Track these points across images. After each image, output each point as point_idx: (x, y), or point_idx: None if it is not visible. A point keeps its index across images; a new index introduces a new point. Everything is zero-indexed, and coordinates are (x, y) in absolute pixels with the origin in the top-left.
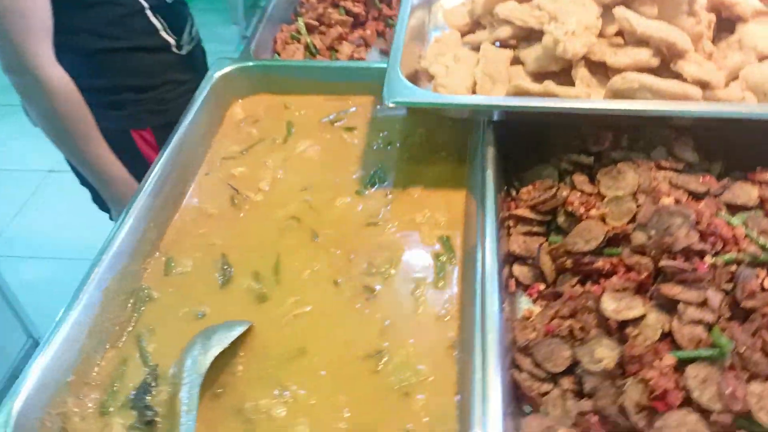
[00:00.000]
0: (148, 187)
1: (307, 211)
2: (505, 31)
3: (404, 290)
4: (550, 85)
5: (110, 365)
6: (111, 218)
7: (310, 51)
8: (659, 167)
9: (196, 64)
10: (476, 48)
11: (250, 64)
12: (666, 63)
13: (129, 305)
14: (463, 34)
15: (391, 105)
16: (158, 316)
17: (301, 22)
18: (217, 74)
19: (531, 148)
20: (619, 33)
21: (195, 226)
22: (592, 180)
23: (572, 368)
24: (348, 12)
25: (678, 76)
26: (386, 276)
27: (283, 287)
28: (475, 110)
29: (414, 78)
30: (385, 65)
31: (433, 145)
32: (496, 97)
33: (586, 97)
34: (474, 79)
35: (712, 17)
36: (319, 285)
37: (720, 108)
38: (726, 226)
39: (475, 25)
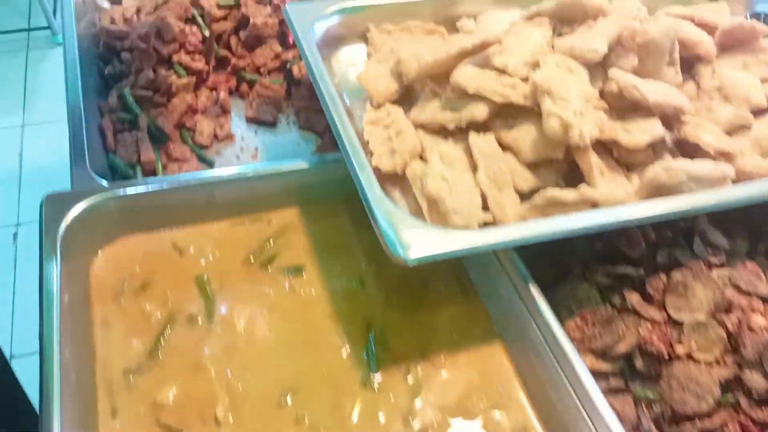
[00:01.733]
0: None
1: None
2: (480, 112)
3: None
4: (586, 190)
5: None
6: None
7: (153, 136)
8: (708, 265)
9: None
10: (434, 129)
11: (112, 195)
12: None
13: None
14: (390, 102)
15: (410, 264)
16: None
17: (128, 96)
18: (63, 224)
19: (550, 257)
20: (603, 94)
21: None
22: (643, 295)
23: None
24: (189, 70)
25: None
26: None
27: None
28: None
29: None
30: (304, 165)
31: (421, 275)
32: (539, 223)
33: (628, 198)
34: (479, 190)
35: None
36: None
37: None
38: None
39: (405, 91)
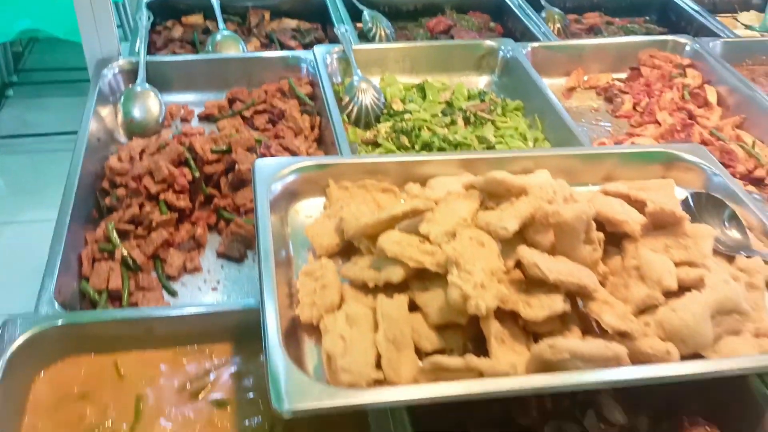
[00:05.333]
0: None
1: None
2: (396, 274)
3: None
4: (472, 360)
5: None
6: None
7: (128, 266)
8: None
9: None
10: (358, 285)
11: (61, 322)
12: (573, 300)
13: None
14: (332, 255)
15: (287, 417)
16: None
17: (112, 230)
18: (13, 347)
19: (447, 419)
20: (522, 267)
21: None
22: None
23: None
24: (171, 207)
25: (588, 318)
26: None
27: None
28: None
29: (291, 334)
30: (248, 306)
31: (328, 425)
32: (413, 387)
33: (512, 370)
34: (376, 350)
35: (602, 236)
36: None
37: (655, 372)
38: None
39: (347, 244)
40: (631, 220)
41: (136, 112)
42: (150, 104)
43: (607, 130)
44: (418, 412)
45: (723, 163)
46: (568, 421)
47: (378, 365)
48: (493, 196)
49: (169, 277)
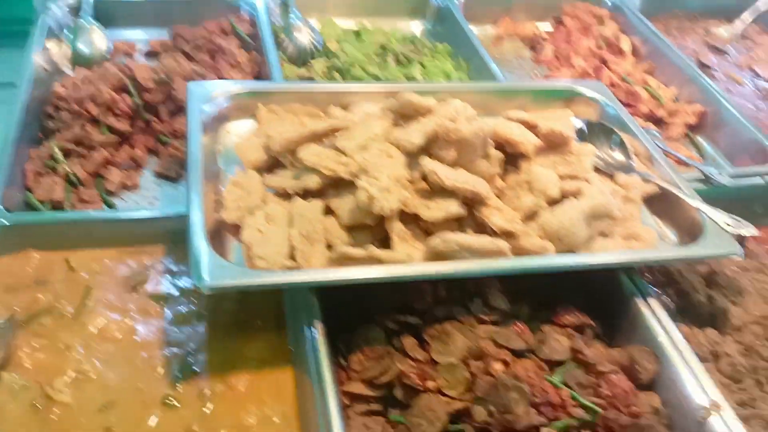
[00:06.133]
0: None
1: None
2: (313, 182)
3: None
4: (373, 250)
5: None
6: None
7: (71, 182)
8: (480, 321)
9: None
10: (282, 194)
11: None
12: (469, 206)
13: None
14: (259, 169)
15: (205, 292)
16: None
17: (54, 147)
18: None
19: (353, 305)
20: (425, 177)
21: None
22: (421, 340)
23: None
24: (112, 129)
25: (482, 222)
26: None
27: None
28: (302, 287)
29: (216, 234)
30: (181, 213)
31: (248, 312)
32: (320, 271)
33: (408, 260)
34: (291, 243)
35: (501, 156)
36: None
37: (530, 263)
38: (554, 390)
39: (272, 159)
40: (527, 141)
41: (82, 47)
42: (96, 39)
43: (528, 75)
44: (329, 301)
45: (627, 104)
46: (457, 307)
47: (292, 258)
48: (404, 116)
49: (109, 193)
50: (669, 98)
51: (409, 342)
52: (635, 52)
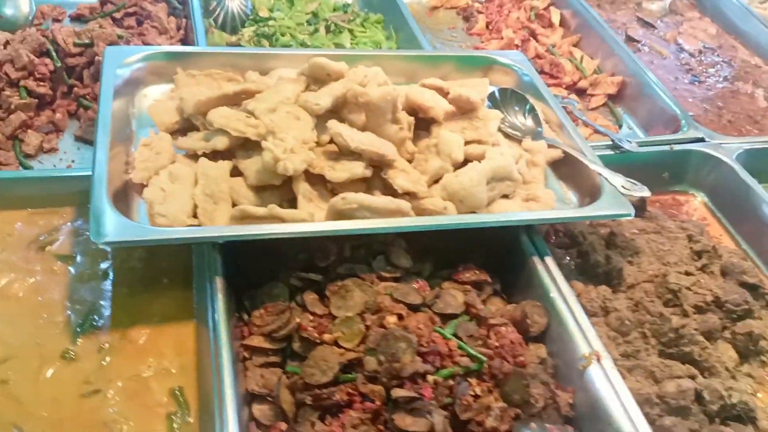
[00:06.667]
0: None
1: (6, 402)
2: (221, 142)
3: None
4: (274, 209)
5: None
6: None
7: None
8: (381, 278)
9: None
10: (192, 155)
11: None
12: (377, 169)
13: None
14: (173, 132)
15: (102, 246)
16: None
17: None
18: None
19: (260, 264)
20: (333, 140)
21: None
22: (323, 297)
23: None
24: (31, 93)
25: (389, 184)
26: None
27: None
28: (198, 242)
29: (123, 194)
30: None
31: (155, 270)
32: (218, 227)
33: (309, 218)
34: (194, 202)
35: (411, 120)
36: None
37: (426, 221)
38: (442, 340)
39: (186, 122)
40: (437, 106)
41: (6, 9)
42: (20, 2)
43: (459, 45)
44: (239, 260)
45: (552, 75)
46: (360, 264)
47: (195, 216)
48: (317, 80)
49: (27, 156)
50: (592, 70)
51: (309, 297)
52: (565, 24)
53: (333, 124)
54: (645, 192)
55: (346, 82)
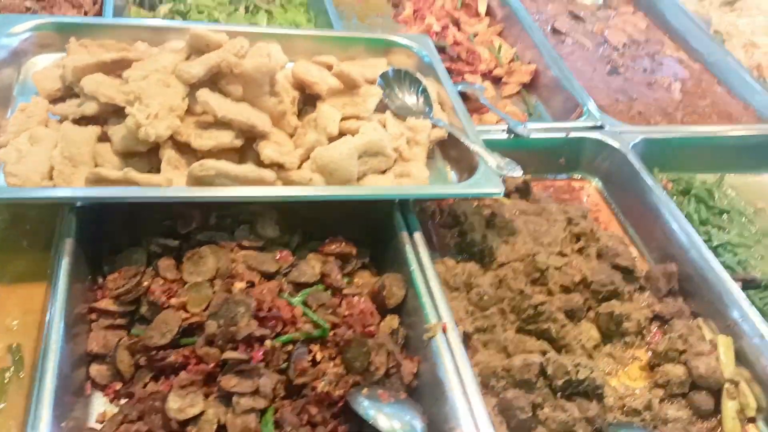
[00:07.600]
0: None
1: None
2: (90, 108)
3: None
4: (130, 172)
5: None
6: None
7: None
8: (241, 247)
9: None
10: (64, 121)
11: None
12: (252, 141)
13: None
14: (54, 101)
15: None
16: None
17: None
18: None
19: (125, 230)
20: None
21: None
22: (180, 264)
23: None
24: None
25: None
26: None
27: None
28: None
29: None
30: None
31: (17, 232)
32: (68, 188)
33: (167, 183)
34: (51, 164)
35: (296, 94)
36: None
37: (282, 191)
38: (287, 306)
39: (68, 91)
40: (322, 81)
41: None
42: None
43: (383, 31)
44: (103, 225)
45: (467, 61)
46: (222, 232)
47: (51, 178)
48: (198, 52)
49: None
50: (509, 59)
51: (164, 263)
52: (492, 14)
53: (202, 93)
54: (518, 171)
55: (222, 52)
